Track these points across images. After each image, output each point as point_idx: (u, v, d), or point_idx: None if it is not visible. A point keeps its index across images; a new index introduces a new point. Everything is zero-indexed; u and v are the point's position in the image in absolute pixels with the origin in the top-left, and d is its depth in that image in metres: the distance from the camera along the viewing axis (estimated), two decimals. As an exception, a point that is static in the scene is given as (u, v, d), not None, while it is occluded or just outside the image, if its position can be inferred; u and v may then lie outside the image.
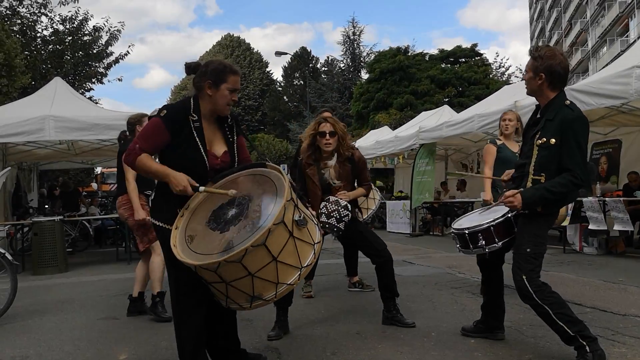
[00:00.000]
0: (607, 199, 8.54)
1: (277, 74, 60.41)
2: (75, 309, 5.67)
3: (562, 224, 9.09)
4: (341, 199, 4.40)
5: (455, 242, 3.94)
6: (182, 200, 2.90)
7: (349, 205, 4.39)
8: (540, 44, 65.63)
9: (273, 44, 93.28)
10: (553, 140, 3.27)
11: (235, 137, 3.11)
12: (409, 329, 4.31)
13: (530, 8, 70.07)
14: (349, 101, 35.33)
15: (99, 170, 25.31)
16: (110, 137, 9.66)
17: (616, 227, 8.13)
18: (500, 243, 3.67)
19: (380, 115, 28.04)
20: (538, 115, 3.54)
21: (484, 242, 3.68)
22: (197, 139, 2.92)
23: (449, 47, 34.77)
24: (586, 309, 4.80)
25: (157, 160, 2.99)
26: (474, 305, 5.12)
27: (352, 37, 39.92)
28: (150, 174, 2.93)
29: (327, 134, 4.44)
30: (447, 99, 28.22)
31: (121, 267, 8.91)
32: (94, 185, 26.97)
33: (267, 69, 59.56)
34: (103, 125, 9.13)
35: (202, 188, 2.82)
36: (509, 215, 3.62)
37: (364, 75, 37.09)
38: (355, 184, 4.74)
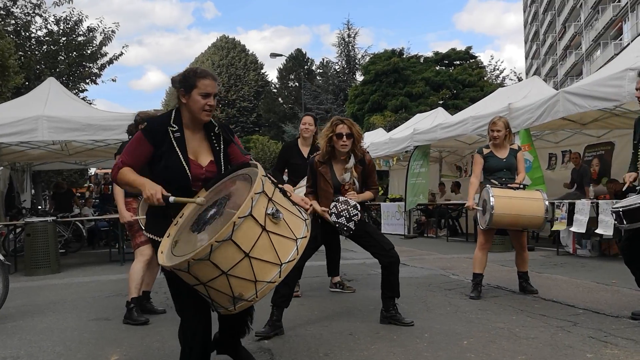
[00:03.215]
0: (600, 201, 8.56)
1: (272, 75, 60.40)
2: (67, 310, 5.64)
3: (555, 229, 9.16)
4: (350, 198, 4.43)
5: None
6: (177, 211, 2.89)
7: (358, 205, 4.43)
8: (534, 47, 65.94)
9: (271, 46, 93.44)
10: None
11: (222, 146, 3.04)
12: (402, 331, 4.31)
13: (524, 11, 70.32)
14: (343, 103, 35.40)
15: (93, 171, 25.21)
16: (104, 138, 9.64)
17: (599, 230, 8.08)
18: None
19: (375, 117, 28.10)
20: None
21: None
22: (177, 149, 2.90)
23: (445, 50, 34.84)
24: (579, 310, 4.81)
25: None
26: (468, 306, 5.13)
27: (347, 40, 40.00)
28: (129, 186, 2.91)
29: (344, 136, 4.48)
30: (441, 101, 28.31)
31: (114, 269, 8.88)
32: (93, 186, 26.83)
33: (262, 71, 59.55)
34: (97, 125, 9.09)
35: (172, 198, 2.74)
36: None
37: (359, 77, 37.15)
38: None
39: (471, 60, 33.86)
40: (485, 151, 5.72)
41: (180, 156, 2.89)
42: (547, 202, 5.50)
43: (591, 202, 8.53)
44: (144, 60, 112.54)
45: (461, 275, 6.98)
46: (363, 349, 3.87)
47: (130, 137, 5.16)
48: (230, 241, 2.42)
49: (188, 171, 2.90)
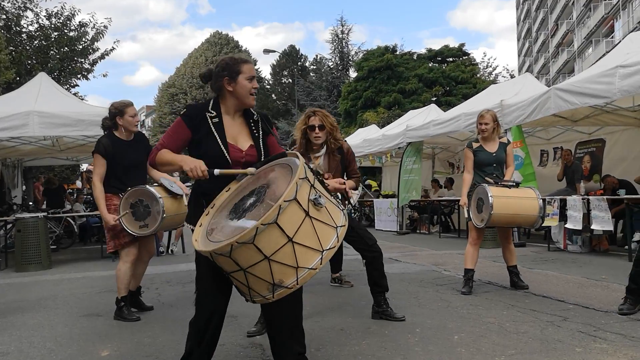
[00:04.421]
0: (590, 197, 8.61)
1: (266, 72, 60.38)
2: (58, 306, 5.62)
3: (546, 225, 9.21)
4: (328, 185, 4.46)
5: None
6: (220, 190, 2.92)
7: (339, 195, 4.45)
8: (527, 44, 66.13)
9: (265, 42, 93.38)
10: None
11: (261, 132, 3.11)
12: (393, 326, 4.32)
13: (517, 9, 70.48)
14: (337, 99, 35.35)
15: (84, 167, 25.10)
16: (96, 134, 9.52)
17: (594, 227, 8.17)
18: None
19: (368, 113, 28.08)
20: None
21: None
22: (216, 133, 2.95)
23: (438, 47, 34.84)
24: (569, 305, 4.84)
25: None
26: (459, 302, 5.16)
27: (340, 36, 39.93)
28: (168, 166, 2.96)
29: (317, 128, 4.56)
30: (434, 98, 28.32)
31: (106, 265, 8.85)
32: (78, 184, 26.72)
33: (256, 67, 59.38)
34: (88, 121, 9.02)
35: (217, 171, 2.80)
36: None
37: (352, 73, 37.12)
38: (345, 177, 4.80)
39: (464, 58, 33.86)
40: (475, 145, 5.75)
41: (219, 140, 2.94)
42: (541, 201, 5.54)
43: (582, 199, 8.59)
44: (137, 56, 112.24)
45: (453, 271, 7.01)
46: (354, 344, 3.88)
47: (105, 131, 5.00)
48: (275, 225, 2.39)
49: (227, 155, 2.94)
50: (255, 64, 58.23)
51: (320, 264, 2.50)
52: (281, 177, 2.69)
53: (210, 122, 2.96)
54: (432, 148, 16.02)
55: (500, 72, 36.24)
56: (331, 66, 40.83)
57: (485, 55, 77.08)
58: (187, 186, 5.34)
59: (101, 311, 5.23)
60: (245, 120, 3.10)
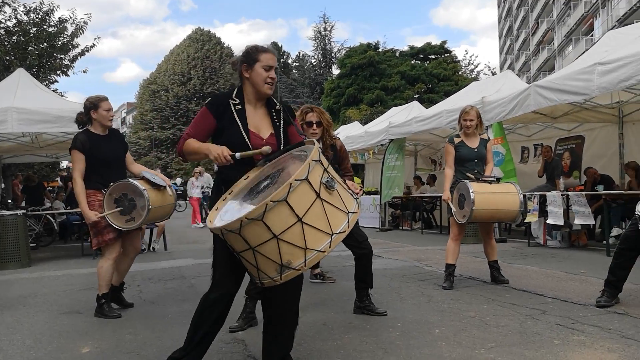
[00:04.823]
0: (570, 192, 8.73)
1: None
2: (38, 304, 5.55)
3: (526, 220, 9.33)
4: None
5: None
6: (242, 174, 2.99)
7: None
8: (508, 42, 66.66)
9: (247, 39, 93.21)
10: None
11: (282, 122, 3.16)
12: (375, 321, 4.35)
13: (498, 7, 70.99)
14: (319, 97, 35.37)
15: (65, 164, 24.81)
16: (76, 130, 9.39)
17: (577, 222, 8.32)
18: None
19: (350, 110, 28.16)
20: None
21: None
22: (238, 120, 3.02)
23: (421, 44, 35.01)
24: (548, 299, 4.91)
25: None
26: (440, 296, 5.20)
27: (323, 33, 39.96)
28: (195, 155, 3.05)
29: (314, 124, 4.58)
30: (416, 95, 28.48)
31: (86, 262, 8.76)
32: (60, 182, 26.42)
33: (238, 64, 58.93)
34: (68, 117, 8.90)
35: (238, 154, 2.86)
36: None
37: (335, 70, 37.15)
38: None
39: (446, 55, 34.10)
40: (457, 140, 5.78)
41: (241, 127, 3.01)
42: (521, 196, 5.61)
43: (562, 195, 8.70)
44: (118, 52, 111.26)
45: (434, 267, 7.06)
46: (336, 338, 3.90)
47: (80, 127, 4.97)
48: (285, 203, 2.41)
49: (248, 141, 2.99)
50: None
51: (329, 247, 2.51)
52: (296, 162, 2.73)
53: (233, 109, 3.05)
54: (415, 145, 16.09)
55: (482, 70, 36.58)
56: (314, 63, 40.89)
57: (467, 53, 77.56)
58: (173, 183, 5.38)
59: (81, 308, 5.18)
60: (267, 110, 3.17)
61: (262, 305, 3.17)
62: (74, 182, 4.79)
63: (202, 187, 17.56)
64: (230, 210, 2.72)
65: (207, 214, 19.47)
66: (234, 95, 3.09)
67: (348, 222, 2.57)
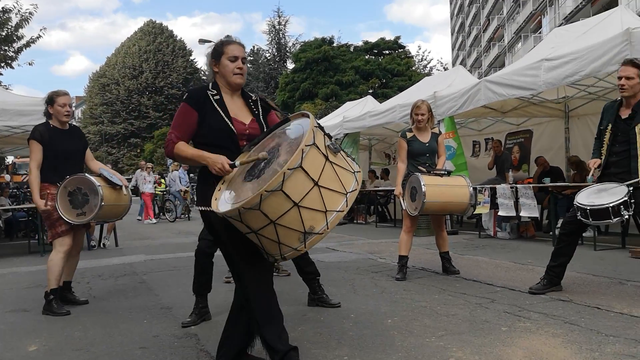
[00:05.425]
0: (518, 185, 8.98)
1: (202, 62, 59.28)
2: (-18, 303, 5.36)
3: (477, 212, 9.56)
4: None
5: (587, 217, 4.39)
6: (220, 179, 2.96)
7: None
8: (460, 38, 67.90)
9: (201, 33, 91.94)
10: None
11: (260, 110, 3.19)
12: (329, 312, 4.38)
13: (451, 4, 72.20)
14: (274, 91, 35.24)
15: (10, 160, 23.99)
16: (22, 124, 9.14)
17: (523, 214, 8.58)
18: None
19: (305, 105, 28.16)
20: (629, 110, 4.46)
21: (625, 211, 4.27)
22: (219, 109, 3.02)
23: (375, 40, 35.29)
24: (497, 288, 5.05)
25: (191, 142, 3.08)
26: (393, 287, 5.28)
27: (277, 27, 39.79)
28: (188, 161, 3.03)
29: None
30: (371, 90, 28.70)
31: (33, 260, 8.50)
32: (7, 177, 25.53)
33: (192, 58, 58.25)
34: (13, 110, 8.63)
35: (237, 162, 2.83)
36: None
37: (290, 65, 37.07)
38: None
39: (400, 50, 34.48)
40: (409, 135, 5.87)
41: (222, 114, 3.01)
42: (471, 189, 5.74)
43: (510, 187, 8.95)
44: (66, 44, 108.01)
45: (388, 259, 7.15)
46: (290, 330, 3.87)
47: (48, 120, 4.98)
48: (300, 169, 2.42)
49: (232, 126, 2.99)
50: (190, 55, 57.26)
51: (347, 205, 2.56)
52: (290, 136, 2.73)
53: (212, 99, 3.05)
54: (369, 139, 16.23)
55: (435, 66, 37.12)
56: (268, 57, 40.67)
57: (420, 49, 78.77)
58: (128, 179, 5.33)
59: (29, 306, 5.03)
60: (244, 100, 3.20)
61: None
62: (29, 172, 4.79)
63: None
64: (236, 194, 2.70)
65: (159, 210, 18.97)
66: (210, 87, 3.11)
67: (356, 180, 2.66)
